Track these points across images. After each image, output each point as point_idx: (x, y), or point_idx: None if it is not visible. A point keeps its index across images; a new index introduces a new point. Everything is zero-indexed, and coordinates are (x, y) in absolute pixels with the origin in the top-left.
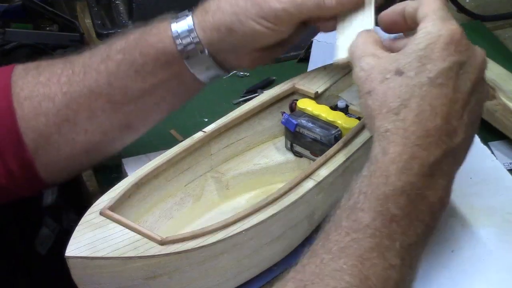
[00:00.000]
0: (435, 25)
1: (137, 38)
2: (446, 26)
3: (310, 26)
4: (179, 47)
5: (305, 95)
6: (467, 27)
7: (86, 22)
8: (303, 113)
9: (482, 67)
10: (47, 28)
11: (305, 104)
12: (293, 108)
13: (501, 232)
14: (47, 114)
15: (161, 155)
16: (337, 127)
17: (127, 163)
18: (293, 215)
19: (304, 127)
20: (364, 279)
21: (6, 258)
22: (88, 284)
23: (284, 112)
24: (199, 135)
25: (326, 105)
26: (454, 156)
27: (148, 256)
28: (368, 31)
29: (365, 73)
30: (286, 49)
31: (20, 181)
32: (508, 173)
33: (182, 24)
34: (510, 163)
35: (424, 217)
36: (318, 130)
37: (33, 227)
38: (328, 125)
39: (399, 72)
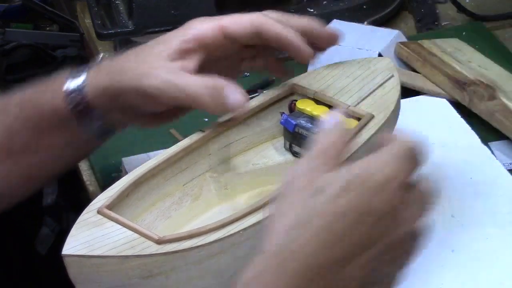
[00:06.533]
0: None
1: (33, 94)
2: None
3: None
4: (70, 106)
5: (304, 96)
6: (467, 27)
7: (86, 22)
8: (302, 114)
9: None
10: (47, 28)
11: (304, 104)
12: (292, 108)
13: (501, 232)
14: None
15: (160, 154)
16: None
17: (127, 162)
18: None
19: (303, 127)
20: None
21: (6, 258)
22: (85, 283)
23: (283, 113)
24: (197, 134)
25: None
26: None
27: (144, 255)
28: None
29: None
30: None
31: None
32: (508, 173)
33: (76, 82)
34: (510, 163)
35: None
36: (317, 130)
37: (33, 227)
38: None
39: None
